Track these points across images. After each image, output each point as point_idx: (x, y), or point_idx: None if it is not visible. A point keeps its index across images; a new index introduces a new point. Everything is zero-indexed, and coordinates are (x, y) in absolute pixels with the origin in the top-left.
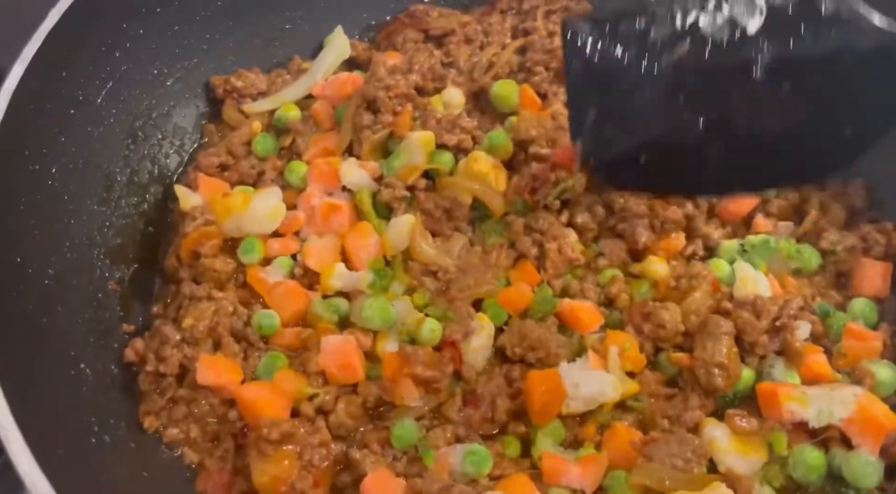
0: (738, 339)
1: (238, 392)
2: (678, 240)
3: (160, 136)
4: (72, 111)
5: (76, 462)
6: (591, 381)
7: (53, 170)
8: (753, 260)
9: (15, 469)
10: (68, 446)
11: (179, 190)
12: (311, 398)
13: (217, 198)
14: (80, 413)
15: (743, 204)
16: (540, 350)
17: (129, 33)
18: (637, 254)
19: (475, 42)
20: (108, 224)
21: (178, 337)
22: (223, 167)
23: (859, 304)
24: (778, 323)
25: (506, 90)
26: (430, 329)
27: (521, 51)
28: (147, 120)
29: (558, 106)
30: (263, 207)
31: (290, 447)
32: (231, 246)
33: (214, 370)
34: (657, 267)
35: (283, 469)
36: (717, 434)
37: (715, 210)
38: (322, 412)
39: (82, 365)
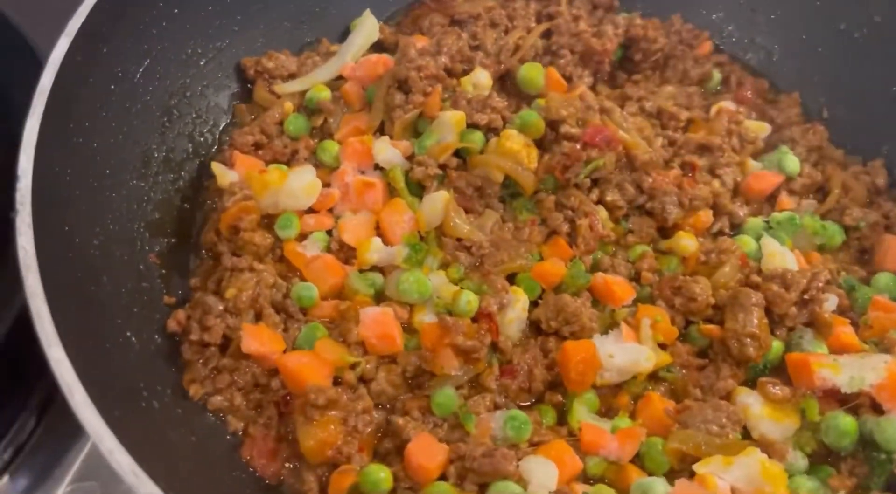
0: (768, 311)
1: (281, 360)
2: (706, 216)
3: (194, 115)
4: (112, 86)
5: (131, 424)
6: (625, 352)
7: (95, 144)
8: (779, 236)
9: (81, 424)
10: (122, 408)
11: (216, 167)
12: (352, 367)
13: (254, 174)
14: (129, 378)
15: (767, 182)
16: (574, 323)
17: (164, 12)
18: (666, 231)
19: (500, 26)
20: (146, 198)
21: (220, 308)
22: (257, 146)
23: (884, 278)
24: (806, 296)
25: (532, 73)
26: (467, 300)
27: (546, 34)
28: (182, 98)
29: (584, 88)
30: (299, 183)
31: (334, 413)
32: (267, 223)
33: (258, 339)
34: (686, 242)
35: (329, 433)
36: (750, 402)
37: (740, 188)
38: (363, 380)
39: (128, 333)
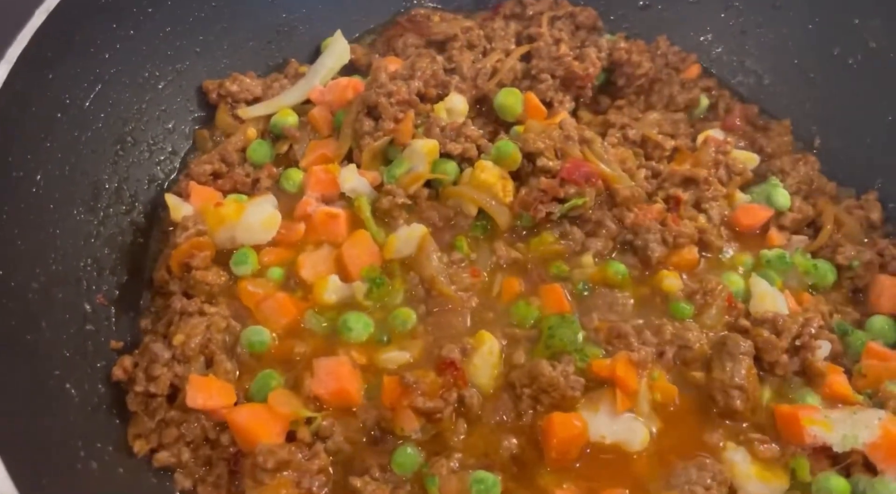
0: (757, 359)
1: (231, 415)
2: (691, 254)
3: (150, 142)
4: (58, 115)
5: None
6: (618, 433)
7: (38, 176)
8: (769, 275)
9: None
10: (53, 475)
11: (170, 199)
12: (307, 421)
13: (209, 207)
14: (65, 437)
15: (756, 216)
16: (553, 393)
17: (118, 34)
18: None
19: (478, 48)
20: (95, 234)
21: (168, 355)
22: (216, 175)
23: (878, 322)
24: (798, 343)
25: (510, 99)
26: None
27: (526, 57)
28: (137, 125)
29: (565, 115)
30: (258, 216)
31: (287, 473)
32: (224, 256)
33: (205, 392)
34: (670, 281)
35: None
36: (738, 459)
37: (727, 222)
38: (319, 437)
39: (67, 385)
